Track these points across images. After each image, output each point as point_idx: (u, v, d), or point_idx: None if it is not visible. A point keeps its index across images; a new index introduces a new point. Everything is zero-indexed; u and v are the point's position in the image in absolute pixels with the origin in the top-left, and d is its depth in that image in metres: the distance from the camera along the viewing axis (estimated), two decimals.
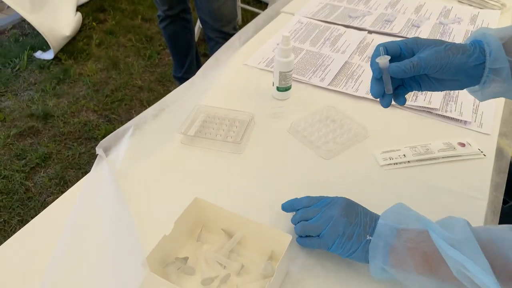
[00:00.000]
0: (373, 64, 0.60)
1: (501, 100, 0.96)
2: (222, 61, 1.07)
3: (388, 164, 0.79)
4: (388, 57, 0.59)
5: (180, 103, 0.92)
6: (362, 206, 0.60)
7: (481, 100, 0.64)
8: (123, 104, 2.21)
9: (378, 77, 0.60)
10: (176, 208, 0.63)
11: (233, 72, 1.04)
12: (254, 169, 0.78)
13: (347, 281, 0.61)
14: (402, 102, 0.63)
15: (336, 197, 0.61)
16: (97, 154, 0.77)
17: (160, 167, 0.78)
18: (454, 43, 0.59)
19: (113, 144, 0.80)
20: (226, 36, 1.59)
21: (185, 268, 0.60)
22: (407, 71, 0.57)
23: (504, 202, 0.99)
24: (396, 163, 0.79)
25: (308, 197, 0.64)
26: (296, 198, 0.65)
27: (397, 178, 0.77)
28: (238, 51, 1.12)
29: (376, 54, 0.60)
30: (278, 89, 0.93)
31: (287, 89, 0.93)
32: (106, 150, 0.79)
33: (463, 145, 0.83)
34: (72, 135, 2.03)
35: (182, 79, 2.02)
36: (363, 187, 0.75)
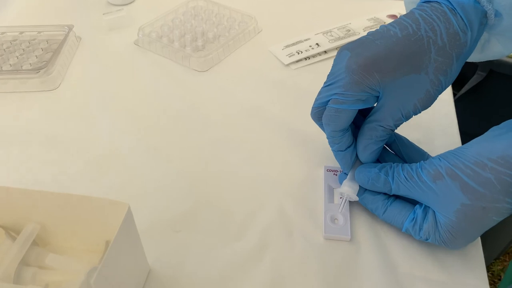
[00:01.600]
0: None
1: None
2: None
3: (298, 61, 0.51)
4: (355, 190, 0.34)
5: None
6: None
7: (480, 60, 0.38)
8: None
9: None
10: None
11: None
12: (78, 111, 0.45)
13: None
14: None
15: None
16: None
17: None
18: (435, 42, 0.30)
19: None
20: None
21: None
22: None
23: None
24: (308, 57, 0.51)
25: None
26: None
27: (313, 76, 0.49)
28: None
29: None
30: None
31: None
32: None
33: (394, 17, 0.57)
34: None
35: None
36: (261, 101, 0.46)
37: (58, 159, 0.40)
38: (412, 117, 0.31)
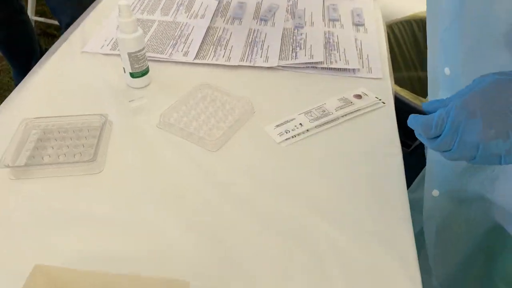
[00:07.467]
0: None
1: (382, 39, 0.88)
2: (51, 55, 0.81)
3: (286, 139, 0.66)
4: None
5: None
6: None
7: None
8: None
9: None
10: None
11: (69, 65, 0.79)
12: (121, 191, 0.58)
13: None
14: None
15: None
16: None
17: None
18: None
19: None
20: None
21: None
22: None
23: (407, 145, 0.94)
24: (294, 136, 0.66)
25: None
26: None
27: (300, 152, 0.64)
28: (71, 36, 0.86)
29: None
30: (133, 75, 0.72)
31: (144, 73, 0.73)
32: None
33: (359, 97, 0.73)
34: None
35: None
36: (264, 173, 0.60)
37: (113, 235, 0.53)
38: None
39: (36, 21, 2.17)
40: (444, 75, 0.55)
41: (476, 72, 0.42)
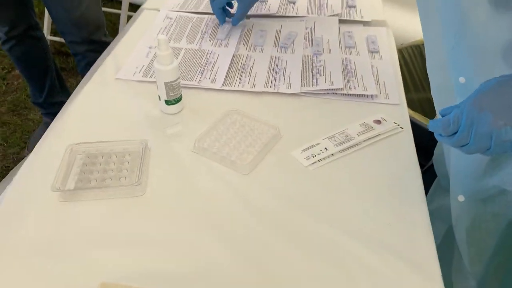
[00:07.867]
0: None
1: (396, 65, 0.94)
2: (87, 81, 0.87)
3: (313, 163, 0.70)
4: None
5: (43, 149, 0.71)
6: None
7: None
8: None
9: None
10: None
11: (103, 92, 0.85)
12: (162, 212, 0.63)
13: None
14: None
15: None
16: None
17: (31, 244, 0.58)
18: None
19: None
20: (97, 47, 1.43)
21: None
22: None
23: (421, 165, 0.99)
24: (320, 160, 0.71)
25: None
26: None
27: (326, 175, 0.68)
28: (103, 64, 0.92)
29: None
30: (168, 102, 0.77)
31: (177, 100, 0.78)
32: None
33: (379, 122, 0.78)
34: None
35: (45, 105, 1.72)
36: (293, 195, 0.65)
37: (163, 254, 0.57)
38: None
39: (50, 40, 2.24)
40: (459, 84, 0.61)
41: (489, 76, 0.50)
